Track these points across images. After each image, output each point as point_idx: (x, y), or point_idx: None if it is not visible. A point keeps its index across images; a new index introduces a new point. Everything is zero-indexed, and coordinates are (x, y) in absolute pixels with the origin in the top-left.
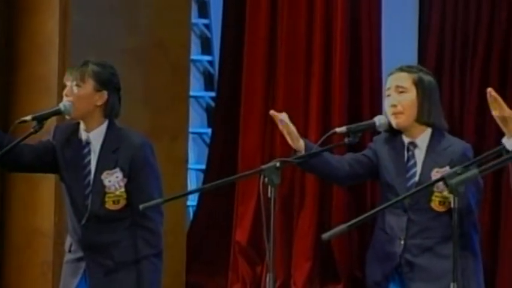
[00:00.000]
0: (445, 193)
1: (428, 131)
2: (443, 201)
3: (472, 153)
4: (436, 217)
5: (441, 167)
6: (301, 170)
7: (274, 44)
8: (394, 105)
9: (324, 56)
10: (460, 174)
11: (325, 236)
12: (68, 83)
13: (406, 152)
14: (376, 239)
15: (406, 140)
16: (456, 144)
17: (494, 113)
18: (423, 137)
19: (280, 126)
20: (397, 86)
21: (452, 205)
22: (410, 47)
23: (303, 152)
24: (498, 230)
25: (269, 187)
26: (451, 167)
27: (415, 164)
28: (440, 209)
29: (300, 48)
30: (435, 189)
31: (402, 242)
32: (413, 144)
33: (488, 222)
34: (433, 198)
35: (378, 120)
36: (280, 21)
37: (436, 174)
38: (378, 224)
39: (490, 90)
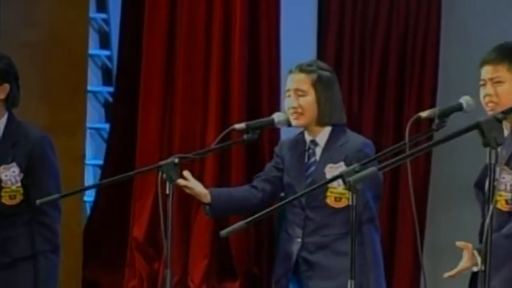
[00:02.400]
0: (340, 189)
1: (329, 128)
2: (339, 198)
3: (372, 150)
4: (333, 214)
5: (335, 162)
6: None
7: (173, 39)
8: (294, 107)
9: (222, 52)
10: (358, 171)
11: (224, 232)
12: None
13: (307, 151)
14: (279, 240)
15: (307, 138)
16: (353, 141)
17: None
18: (323, 135)
19: (188, 191)
20: (296, 89)
21: (350, 202)
22: (309, 46)
23: (210, 202)
24: (395, 227)
25: (167, 183)
26: (346, 163)
27: (314, 162)
28: (337, 205)
29: (199, 45)
30: (329, 185)
31: (299, 240)
32: (314, 143)
33: (386, 220)
34: (328, 194)
35: (277, 117)
36: (180, 17)
37: (329, 169)
38: (282, 226)
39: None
